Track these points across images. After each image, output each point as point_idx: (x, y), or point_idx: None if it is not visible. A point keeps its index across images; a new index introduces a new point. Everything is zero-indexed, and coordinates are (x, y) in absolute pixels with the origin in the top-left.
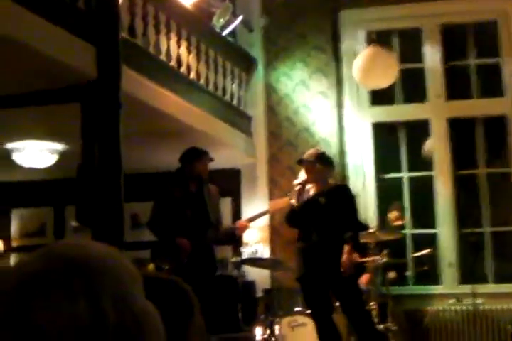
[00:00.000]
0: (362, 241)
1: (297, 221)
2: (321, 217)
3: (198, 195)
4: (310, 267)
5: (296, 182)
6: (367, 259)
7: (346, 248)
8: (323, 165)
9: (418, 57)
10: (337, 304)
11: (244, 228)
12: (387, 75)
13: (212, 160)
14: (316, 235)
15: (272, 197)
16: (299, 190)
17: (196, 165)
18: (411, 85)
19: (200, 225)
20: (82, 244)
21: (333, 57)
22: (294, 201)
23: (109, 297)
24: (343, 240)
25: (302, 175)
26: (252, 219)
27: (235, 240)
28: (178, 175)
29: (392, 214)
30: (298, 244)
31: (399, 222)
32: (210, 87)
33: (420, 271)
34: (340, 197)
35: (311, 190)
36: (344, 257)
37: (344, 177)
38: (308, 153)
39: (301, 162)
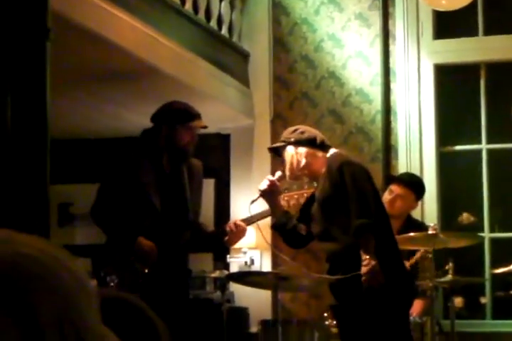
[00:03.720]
0: (412, 248)
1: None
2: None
3: (172, 176)
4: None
5: (262, 185)
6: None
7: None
8: (307, 147)
9: None
10: None
11: (242, 233)
12: None
13: (204, 127)
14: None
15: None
16: (266, 193)
17: (181, 132)
18: (499, 7)
19: (173, 222)
20: (5, 236)
21: None
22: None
23: (52, 318)
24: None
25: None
26: (252, 220)
27: (222, 249)
28: (146, 143)
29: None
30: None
31: (471, 219)
32: (188, 7)
33: (503, 297)
34: (333, 178)
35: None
36: (364, 267)
37: (389, 150)
38: (283, 135)
39: (273, 150)
